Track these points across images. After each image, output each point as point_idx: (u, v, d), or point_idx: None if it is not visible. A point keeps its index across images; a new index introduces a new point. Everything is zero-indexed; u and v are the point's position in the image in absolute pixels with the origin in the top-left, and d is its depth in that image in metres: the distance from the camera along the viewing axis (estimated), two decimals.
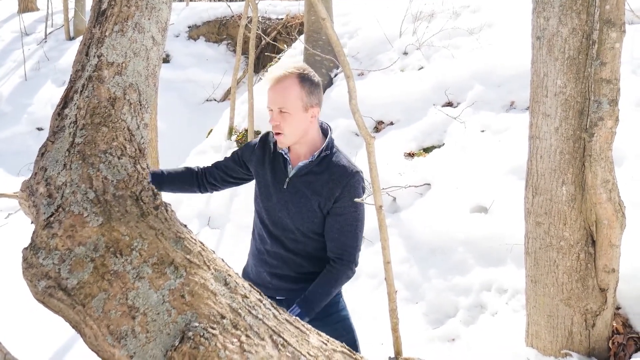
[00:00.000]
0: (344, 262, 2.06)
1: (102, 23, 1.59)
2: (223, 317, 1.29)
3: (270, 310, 1.40)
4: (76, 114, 1.47)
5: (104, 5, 1.62)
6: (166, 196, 5.05)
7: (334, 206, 2.04)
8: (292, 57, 6.70)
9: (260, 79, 7.09)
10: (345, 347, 1.50)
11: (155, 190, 1.45)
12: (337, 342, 1.50)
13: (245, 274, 2.28)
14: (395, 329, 1.98)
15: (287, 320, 1.41)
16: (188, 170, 2.34)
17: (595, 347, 2.56)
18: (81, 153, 1.40)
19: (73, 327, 1.31)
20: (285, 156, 2.12)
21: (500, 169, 3.99)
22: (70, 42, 10.12)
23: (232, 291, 1.36)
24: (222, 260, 1.45)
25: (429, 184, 4.27)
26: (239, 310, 1.32)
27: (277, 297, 2.11)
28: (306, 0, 6.11)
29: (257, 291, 1.44)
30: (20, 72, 9.30)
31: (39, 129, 8.09)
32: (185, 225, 1.45)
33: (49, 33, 10.55)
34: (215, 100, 8.40)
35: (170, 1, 1.76)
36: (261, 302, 1.40)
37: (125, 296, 1.27)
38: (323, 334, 1.50)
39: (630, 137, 3.60)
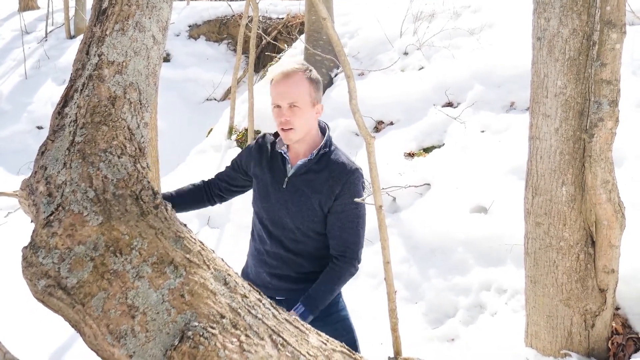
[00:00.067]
0: (346, 260, 2.06)
1: (103, 22, 1.59)
2: (223, 316, 1.29)
3: (269, 310, 1.40)
4: (76, 113, 1.47)
5: (105, 4, 1.62)
6: None
7: (334, 204, 2.04)
8: (293, 57, 6.70)
9: (261, 78, 7.09)
10: (344, 347, 1.50)
11: (155, 189, 1.45)
12: (336, 341, 1.50)
13: (245, 275, 2.28)
14: (394, 329, 1.98)
15: (286, 320, 1.41)
16: (195, 187, 2.33)
17: (595, 347, 2.56)
18: (81, 152, 1.40)
19: (72, 326, 1.31)
20: (285, 155, 2.12)
21: (500, 169, 3.99)
22: (70, 40, 10.11)
23: (232, 291, 1.36)
24: (222, 259, 1.45)
25: (428, 184, 4.27)
26: (239, 310, 1.32)
27: (276, 298, 2.11)
28: (307, 0, 6.11)
29: (257, 291, 1.44)
30: (20, 70, 9.29)
31: (39, 128, 8.09)
32: (185, 225, 1.45)
33: (50, 31, 10.54)
34: (215, 99, 8.40)
35: (171, 0, 1.76)
36: (261, 301, 1.40)
37: (124, 295, 1.27)
38: (322, 333, 1.50)
39: (630, 138, 3.60)
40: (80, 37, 9.08)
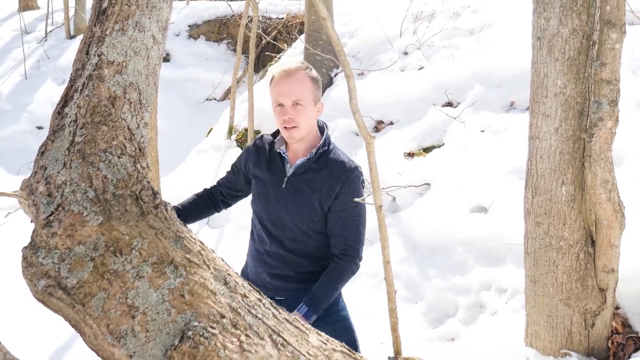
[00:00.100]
0: (348, 258, 2.07)
1: (103, 22, 1.59)
2: (223, 316, 1.29)
3: (269, 309, 1.40)
4: (76, 113, 1.47)
5: (105, 4, 1.62)
6: (166, 195, 5.05)
7: (334, 202, 2.04)
8: (293, 57, 6.70)
9: (261, 78, 7.09)
10: (344, 347, 1.50)
11: (155, 189, 1.45)
12: (336, 341, 1.51)
13: (244, 275, 2.28)
14: (394, 329, 1.98)
15: (286, 319, 1.41)
16: (198, 196, 2.33)
17: (595, 346, 2.56)
18: (81, 152, 1.40)
19: (73, 326, 1.31)
20: (284, 155, 2.12)
21: (500, 169, 3.99)
22: (70, 40, 10.11)
23: (232, 290, 1.36)
24: (222, 259, 1.45)
25: (428, 184, 4.27)
26: (239, 310, 1.32)
27: (276, 298, 2.11)
28: (306, 0, 6.11)
29: (257, 290, 1.44)
30: (20, 70, 9.29)
31: (39, 128, 8.09)
32: (185, 225, 1.45)
33: (50, 31, 10.54)
34: (215, 99, 8.40)
35: (171, 0, 1.76)
36: (261, 301, 1.40)
37: (125, 295, 1.27)
38: (322, 333, 1.50)
39: (630, 137, 3.60)
40: (80, 37, 9.09)
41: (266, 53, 7.93)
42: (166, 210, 1.42)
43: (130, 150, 1.46)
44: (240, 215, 4.76)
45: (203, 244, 1.43)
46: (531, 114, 2.51)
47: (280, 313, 1.42)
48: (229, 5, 8.63)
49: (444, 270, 3.62)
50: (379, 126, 5.25)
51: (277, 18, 8.88)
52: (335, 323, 2.14)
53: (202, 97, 8.43)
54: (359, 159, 4.32)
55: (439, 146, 4.65)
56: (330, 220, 2.06)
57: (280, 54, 7.28)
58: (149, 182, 1.44)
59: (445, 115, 4.80)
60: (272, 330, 1.34)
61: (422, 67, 5.57)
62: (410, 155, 4.69)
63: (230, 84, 7.43)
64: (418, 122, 4.95)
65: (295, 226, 2.08)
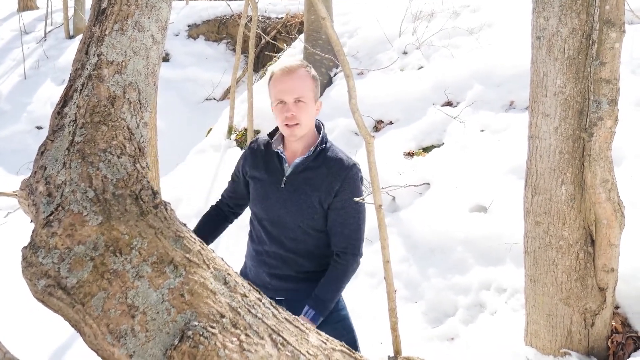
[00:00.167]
0: (349, 256, 2.07)
1: (102, 22, 1.59)
2: (222, 316, 1.29)
3: (269, 309, 1.40)
4: (76, 113, 1.47)
5: (104, 4, 1.62)
6: (166, 195, 5.03)
7: (334, 200, 2.04)
8: (292, 56, 6.70)
9: (260, 78, 7.09)
10: (344, 346, 1.50)
11: (155, 189, 1.45)
12: (336, 341, 1.51)
13: (243, 277, 2.28)
14: (394, 328, 1.98)
15: (286, 319, 1.41)
16: (209, 215, 2.35)
17: (595, 346, 2.56)
18: (81, 152, 1.40)
19: (72, 326, 1.31)
20: (281, 155, 2.12)
21: (499, 168, 3.99)
22: (69, 40, 10.11)
23: (232, 290, 1.36)
24: (222, 259, 1.45)
25: (428, 184, 4.27)
26: (239, 309, 1.32)
27: (276, 298, 2.11)
28: (306, 0, 6.11)
29: (257, 290, 1.44)
30: (19, 70, 9.29)
31: (39, 128, 8.09)
32: (185, 224, 1.45)
33: (49, 31, 10.54)
34: (214, 99, 8.40)
35: (170, 0, 1.76)
36: (260, 301, 1.40)
37: (124, 295, 1.27)
38: (322, 333, 1.50)
39: (629, 137, 3.60)
40: (80, 37, 9.09)
41: (265, 53, 7.93)
42: (166, 209, 1.42)
43: (129, 150, 1.46)
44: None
45: (203, 244, 1.43)
46: (531, 113, 2.51)
47: (280, 312, 1.42)
48: (229, 5, 8.63)
49: (443, 270, 3.62)
50: (378, 126, 5.25)
51: (277, 18, 8.88)
52: (336, 323, 2.14)
53: (201, 97, 8.44)
54: (359, 158, 4.31)
55: (439, 146, 4.65)
56: (331, 218, 2.07)
57: (280, 54, 7.28)
58: (148, 182, 1.44)
59: (445, 114, 4.80)
60: (272, 329, 1.34)
61: (422, 67, 5.57)
62: (410, 154, 4.69)
63: (229, 84, 7.43)
64: (417, 122, 4.95)
65: (295, 225, 2.08)
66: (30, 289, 1.32)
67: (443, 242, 3.76)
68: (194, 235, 1.43)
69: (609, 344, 2.58)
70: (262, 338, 1.30)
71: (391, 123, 5.20)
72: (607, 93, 2.21)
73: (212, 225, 2.33)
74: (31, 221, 1.48)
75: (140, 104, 1.55)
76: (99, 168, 1.39)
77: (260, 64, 8.19)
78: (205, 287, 1.31)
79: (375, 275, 3.75)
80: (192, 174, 5.81)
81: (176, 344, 1.22)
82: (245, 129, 5.94)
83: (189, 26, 9.45)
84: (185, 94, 8.37)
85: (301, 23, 7.93)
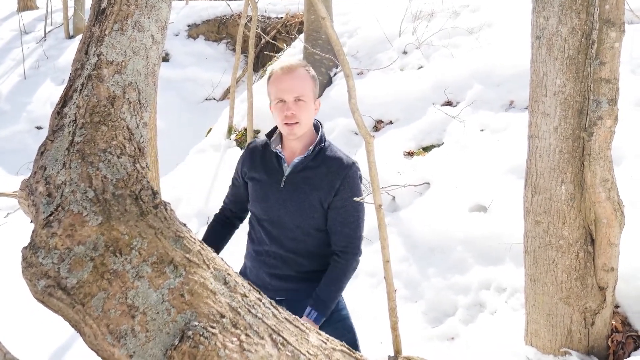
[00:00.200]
0: (349, 255, 2.08)
1: (102, 21, 1.59)
2: (223, 316, 1.29)
3: (269, 309, 1.40)
4: (75, 113, 1.47)
5: (104, 4, 1.62)
6: (165, 195, 5.03)
7: (334, 199, 2.04)
8: (292, 56, 6.70)
9: (260, 78, 7.09)
10: (344, 346, 1.50)
11: (155, 189, 1.45)
12: (336, 340, 1.51)
13: (243, 277, 2.28)
14: (394, 328, 1.99)
15: (286, 319, 1.41)
16: (215, 223, 2.35)
17: (595, 345, 2.56)
18: (80, 152, 1.40)
19: (72, 326, 1.31)
20: (280, 155, 2.12)
21: (499, 168, 3.99)
22: (69, 40, 10.11)
23: (232, 290, 1.36)
24: (222, 259, 1.45)
25: (428, 183, 4.27)
26: (239, 309, 1.32)
27: (276, 298, 2.11)
28: None
29: (257, 290, 1.44)
30: (19, 70, 9.29)
31: (38, 128, 8.09)
32: (185, 224, 1.45)
33: (49, 31, 10.54)
34: (214, 99, 8.39)
35: (170, 0, 1.76)
36: (260, 301, 1.40)
37: (124, 295, 1.27)
38: (322, 332, 1.50)
39: (629, 136, 3.60)
40: (79, 37, 9.08)
41: (265, 52, 7.93)
42: (166, 210, 1.42)
43: (129, 150, 1.46)
44: None
45: (203, 244, 1.43)
46: (530, 113, 2.51)
47: (280, 312, 1.42)
48: (228, 5, 8.63)
49: (443, 270, 3.62)
50: (378, 125, 5.25)
51: (276, 17, 8.88)
52: (337, 322, 2.14)
53: (201, 97, 8.43)
54: (359, 158, 4.31)
55: (439, 145, 4.65)
56: (330, 217, 2.07)
57: (280, 54, 7.27)
58: (148, 182, 1.44)
59: (445, 114, 4.80)
60: (272, 329, 1.34)
61: (422, 67, 5.57)
62: (410, 154, 4.69)
63: (229, 84, 7.43)
64: (417, 122, 4.95)
65: (295, 225, 2.08)
66: (30, 290, 1.32)
67: (443, 242, 3.76)
68: (193, 235, 1.43)
69: (609, 343, 2.58)
70: (262, 338, 1.30)
71: (391, 123, 5.20)
72: (607, 92, 2.21)
73: (219, 234, 2.32)
74: (31, 221, 1.48)
75: (140, 104, 1.55)
76: (99, 168, 1.39)
77: (260, 63, 8.19)
78: (205, 287, 1.31)
79: (375, 275, 3.75)
80: (192, 174, 5.81)
81: (176, 344, 1.22)
82: (245, 129, 5.94)
83: (188, 26, 9.45)
84: (185, 94, 8.37)
85: (301, 23, 7.93)
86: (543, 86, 2.42)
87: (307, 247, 2.11)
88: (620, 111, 2.27)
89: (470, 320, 3.27)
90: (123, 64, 1.54)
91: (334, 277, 2.07)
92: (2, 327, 3.50)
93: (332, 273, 2.08)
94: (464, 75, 5.11)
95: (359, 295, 3.61)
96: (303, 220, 2.07)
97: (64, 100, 1.52)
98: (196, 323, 1.25)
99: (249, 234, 2.25)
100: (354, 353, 1.50)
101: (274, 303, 1.44)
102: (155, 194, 1.42)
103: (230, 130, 6.20)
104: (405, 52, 5.89)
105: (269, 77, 2.10)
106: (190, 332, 1.23)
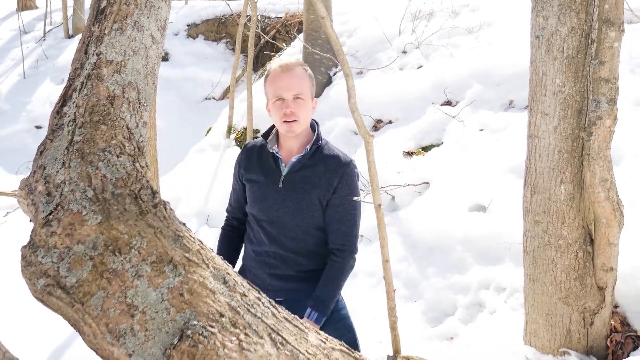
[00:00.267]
0: (345, 253, 2.08)
1: (101, 21, 1.59)
2: (222, 315, 1.29)
3: (269, 308, 1.40)
4: (75, 112, 1.47)
5: (103, 3, 1.62)
6: (165, 195, 5.04)
7: (332, 197, 2.06)
8: (292, 56, 6.69)
9: (260, 77, 7.08)
10: (343, 345, 1.50)
11: (154, 188, 1.45)
12: (335, 340, 1.51)
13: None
14: (393, 328, 1.99)
15: (285, 318, 1.42)
16: (225, 235, 2.33)
17: (594, 345, 2.56)
18: (80, 151, 1.40)
19: (72, 325, 1.31)
20: (277, 155, 2.12)
21: (498, 167, 3.99)
22: (69, 40, 10.10)
23: (231, 289, 1.36)
24: (221, 258, 1.45)
25: (427, 183, 4.27)
26: (238, 309, 1.32)
27: (276, 299, 2.11)
28: None
29: (256, 289, 1.44)
30: (18, 70, 9.29)
31: (38, 127, 8.08)
32: (184, 224, 1.45)
33: (48, 31, 10.54)
34: (214, 98, 8.39)
35: None
36: (260, 300, 1.40)
37: (124, 294, 1.27)
38: (322, 332, 1.50)
39: (628, 136, 3.60)
40: (79, 36, 9.09)
41: (265, 52, 7.92)
42: (165, 209, 1.42)
43: (129, 150, 1.46)
44: None
45: (202, 243, 1.43)
46: (530, 112, 2.51)
47: (279, 312, 1.42)
48: (228, 5, 8.62)
49: (443, 269, 3.63)
50: (377, 125, 5.25)
51: (276, 17, 8.88)
52: (337, 322, 2.15)
53: (200, 97, 8.43)
54: (358, 157, 4.32)
55: (438, 145, 4.65)
56: (328, 215, 2.08)
57: (279, 53, 7.27)
58: (148, 181, 1.44)
59: (444, 114, 4.80)
60: (271, 329, 1.34)
61: (421, 66, 5.57)
62: (409, 154, 4.69)
63: (229, 83, 7.43)
64: (417, 121, 4.95)
65: (295, 224, 2.09)
66: (30, 289, 1.32)
67: (442, 242, 3.76)
68: (193, 235, 1.43)
69: (608, 343, 2.59)
70: (261, 337, 1.30)
71: (390, 122, 5.20)
72: (606, 92, 2.21)
73: (230, 244, 2.30)
74: (30, 220, 1.48)
75: (139, 103, 1.55)
76: (98, 167, 1.39)
77: (259, 63, 8.19)
78: (205, 287, 1.31)
79: (374, 274, 3.76)
80: (192, 173, 5.81)
81: (175, 343, 1.22)
82: (245, 129, 5.94)
83: (188, 25, 9.44)
84: (185, 93, 8.36)
85: (300, 22, 7.92)
86: (542, 86, 2.42)
87: (307, 246, 2.11)
88: (619, 111, 2.27)
89: (469, 320, 3.27)
90: (122, 63, 1.54)
91: (332, 277, 2.08)
92: (1, 327, 3.50)
93: (330, 272, 2.08)
94: (463, 74, 5.11)
95: (359, 295, 3.61)
96: (302, 219, 2.07)
97: (64, 99, 1.52)
98: (195, 322, 1.25)
99: (247, 235, 2.25)
100: (353, 352, 1.50)
101: (273, 302, 1.44)
102: (154, 193, 1.42)
103: (229, 130, 6.20)
104: (404, 52, 5.89)
105: (267, 76, 2.10)
106: (189, 331, 1.23)
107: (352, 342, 2.03)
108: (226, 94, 8.10)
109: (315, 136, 2.11)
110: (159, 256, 1.32)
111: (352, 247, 2.10)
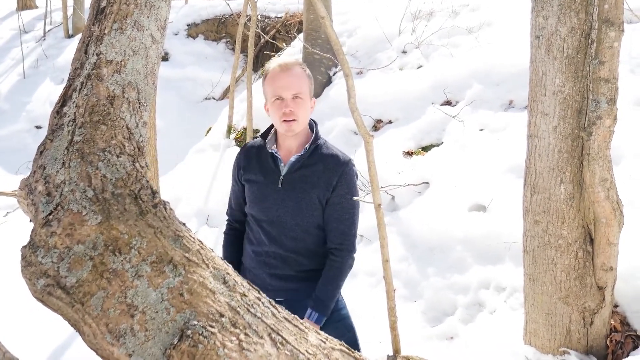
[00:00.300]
0: (344, 252, 2.09)
1: (101, 21, 1.59)
2: (222, 315, 1.29)
3: (268, 308, 1.40)
4: (75, 112, 1.47)
5: (103, 3, 1.62)
6: (165, 195, 5.04)
7: (331, 196, 2.06)
8: (291, 56, 6.69)
9: (259, 77, 7.08)
10: (343, 345, 1.50)
11: (154, 188, 1.45)
12: (335, 340, 1.51)
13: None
14: (393, 327, 1.99)
15: (285, 318, 1.42)
16: (229, 240, 2.32)
17: (593, 345, 2.56)
18: (80, 151, 1.40)
19: (72, 325, 1.31)
20: (276, 155, 2.12)
21: (498, 167, 3.99)
22: (69, 39, 10.10)
23: (231, 289, 1.36)
24: (221, 258, 1.45)
25: (427, 183, 4.27)
26: (238, 309, 1.32)
27: (276, 299, 2.11)
28: None
29: (256, 289, 1.44)
30: (18, 70, 9.28)
31: (38, 127, 8.08)
32: (184, 224, 1.45)
33: (48, 31, 10.53)
34: (214, 98, 8.39)
35: None
36: (259, 300, 1.40)
37: (124, 294, 1.27)
38: (322, 332, 1.51)
39: (628, 136, 3.60)
40: (79, 36, 9.08)
41: (265, 52, 7.92)
42: (165, 209, 1.42)
43: (129, 150, 1.46)
44: None
45: (202, 243, 1.43)
46: (530, 112, 2.51)
47: (279, 312, 1.42)
48: (228, 4, 8.61)
49: (442, 269, 3.63)
50: (377, 125, 5.25)
51: (276, 17, 8.87)
52: (337, 322, 2.15)
53: (200, 96, 8.43)
54: (358, 157, 4.32)
55: (438, 145, 4.66)
56: (327, 214, 2.08)
57: (279, 53, 7.27)
58: (147, 181, 1.44)
59: (444, 114, 4.80)
60: (271, 328, 1.34)
61: (421, 66, 5.57)
62: (409, 154, 4.69)
63: (229, 83, 7.43)
64: (417, 121, 4.95)
65: (295, 224, 2.09)
66: (30, 289, 1.32)
67: (442, 241, 3.77)
68: (193, 235, 1.43)
69: (608, 342, 2.59)
70: (261, 337, 1.30)
71: (390, 122, 5.20)
72: (606, 92, 2.21)
73: (236, 248, 2.29)
74: (30, 220, 1.48)
75: (139, 103, 1.55)
76: (98, 167, 1.39)
77: (259, 63, 8.19)
78: (205, 287, 1.32)
79: (374, 274, 3.76)
80: (192, 173, 5.81)
81: (175, 343, 1.23)
82: (245, 128, 5.94)
83: (188, 25, 9.44)
84: (185, 93, 8.36)
85: (300, 22, 7.92)
86: (542, 86, 2.42)
87: (307, 246, 2.11)
88: (619, 111, 2.27)
89: (469, 320, 3.28)
90: (122, 63, 1.54)
91: (331, 276, 2.08)
92: (1, 327, 3.50)
93: (329, 272, 2.08)
94: (463, 74, 5.11)
95: (359, 295, 3.61)
96: (302, 218, 2.07)
97: (64, 99, 1.52)
98: (195, 322, 1.25)
99: (247, 235, 2.24)
100: (352, 352, 1.50)
101: (273, 302, 1.44)
102: (154, 193, 1.42)
103: (229, 130, 6.20)
104: (404, 52, 5.89)
105: (265, 76, 2.10)
106: (189, 331, 1.23)
107: (352, 342, 2.03)
108: (226, 93, 8.10)
109: (313, 135, 2.11)
110: (159, 256, 1.32)
111: (351, 246, 2.10)
